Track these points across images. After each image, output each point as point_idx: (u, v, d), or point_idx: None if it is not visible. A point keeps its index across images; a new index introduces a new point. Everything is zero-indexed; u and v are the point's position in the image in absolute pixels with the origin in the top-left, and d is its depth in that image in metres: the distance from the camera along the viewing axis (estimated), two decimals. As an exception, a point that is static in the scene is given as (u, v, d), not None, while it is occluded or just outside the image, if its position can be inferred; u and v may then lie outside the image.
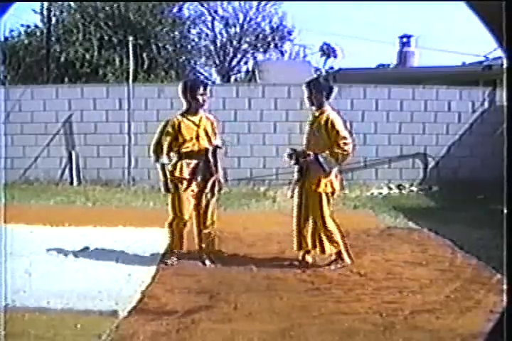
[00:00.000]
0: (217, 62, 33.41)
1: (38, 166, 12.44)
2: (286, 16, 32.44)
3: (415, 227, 8.24)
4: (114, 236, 6.95)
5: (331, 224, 6.01)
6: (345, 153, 5.87)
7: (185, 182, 6.01)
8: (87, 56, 22.27)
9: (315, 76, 6.23)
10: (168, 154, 6.06)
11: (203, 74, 32.52)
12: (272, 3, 31.88)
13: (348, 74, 16.18)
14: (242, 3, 31.98)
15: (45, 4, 21.62)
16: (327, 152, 5.86)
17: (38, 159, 12.44)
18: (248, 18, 32.40)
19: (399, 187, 12.34)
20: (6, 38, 23.09)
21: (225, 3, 31.67)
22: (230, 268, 6.04)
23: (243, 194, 11.40)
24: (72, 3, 23.72)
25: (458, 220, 8.35)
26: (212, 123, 6.35)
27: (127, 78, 12.97)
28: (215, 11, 32.10)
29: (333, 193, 6.05)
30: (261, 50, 33.08)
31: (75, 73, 22.32)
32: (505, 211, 2.21)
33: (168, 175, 6.04)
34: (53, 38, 21.96)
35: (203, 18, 30.79)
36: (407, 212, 9.15)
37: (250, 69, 32.09)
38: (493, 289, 5.05)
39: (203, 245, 6.30)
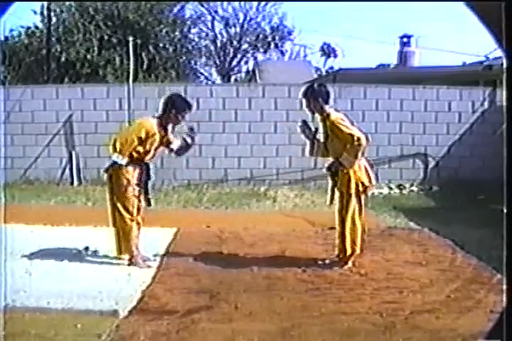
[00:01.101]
0: (217, 62, 33.47)
1: (38, 166, 12.43)
2: (287, 16, 32.59)
3: (416, 227, 8.24)
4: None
5: (358, 225, 6.03)
6: (359, 147, 5.85)
7: (135, 187, 6.03)
8: (88, 56, 22.29)
9: (308, 84, 6.17)
10: (127, 156, 5.97)
11: (203, 74, 32.56)
12: (272, 3, 31.92)
13: (349, 74, 16.17)
14: (242, 3, 32.01)
15: (45, 4, 21.62)
16: (345, 153, 5.87)
17: (38, 159, 12.44)
18: (248, 18, 32.46)
19: (399, 187, 12.33)
20: (6, 38, 23.12)
21: (225, 3, 31.70)
22: (230, 268, 6.04)
23: (243, 194, 11.41)
24: (72, 3, 23.73)
25: (458, 220, 8.35)
26: (168, 140, 6.27)
27: (127, 78, 12.98)
28: (216, 11, 32.18)
29: (365, 191, 6.06)
30: (261, 50, 33.14)
31: (75, 73, 22.35)
32: (504, 210, 2.21)
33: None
34: (53, 38, 21.96)
35: (203, 18, 30.84)
36: (408, 212, 9.15)
37: (250, 69, 32.18)
38: (494, 289, 5.05)
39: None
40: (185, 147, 6.41)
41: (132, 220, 6.06)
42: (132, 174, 5.98)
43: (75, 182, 12.38)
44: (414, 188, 12.33)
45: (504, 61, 2.21)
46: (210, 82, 31.11)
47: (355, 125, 6.16)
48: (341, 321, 4.52)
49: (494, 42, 2.16)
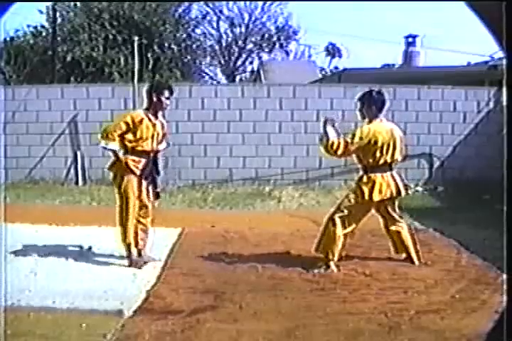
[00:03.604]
0: (222, 61, 33.47)
1: (43, 166, 12.46)
2: (292, 16, 32.52)
3: (420, 227, 8.22)
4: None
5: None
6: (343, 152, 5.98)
7: (134, 178, 6.03)
8: (94, 54, 22.32)
9: (368, 89, 6.21)
10: (117, 141, 5.99)
11: (208, 74, 32.58)
12: (278, 3, 31.91)
13: (353, 74, 16.17)
14: (248, 3, 32.01)
15: (51, 4, 21.66)
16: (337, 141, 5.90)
17: (43, 159, 12.46)
18: (253, 18, 32.45)
19: (404, 187, 12.29)
20: (11, 38, 23.20)
21: (231, 3, 31.70)
22: (235, 268, 6.04)
23: (248, 194, 11.41)
24: (77, 3, 23.78)
25: (463, 220, 8.34)
26: (163, 127, 6.29)
27: (132, 78, 12.98)
28: (221, 11, 32.18)
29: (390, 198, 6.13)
30: (266, 49, 33.13)
31: (81, 72, 22.37)
32: (505, 210, 2.21)
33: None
34: (59, 38, 21.99)
35: (208, 17, 30.82)
36: (413, 212, 9.13)
37: (255, 69, 32.18)
38: (499, 289, 5.04)
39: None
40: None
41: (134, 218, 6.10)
42: (136, 165, 6.01)
43: (80, 182, 12.40)
44: (419, 188, 12.30)
45: (504, 61, 2.21)
46: (214, 82, 31.12)
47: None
48: (346, 321, 4.52)
49: (495, 42, 2.16)
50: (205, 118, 12.43)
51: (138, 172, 6.02)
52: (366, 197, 5.94)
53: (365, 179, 5.99)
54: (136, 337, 4.17)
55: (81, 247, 6.60)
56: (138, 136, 6.01)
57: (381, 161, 5.95)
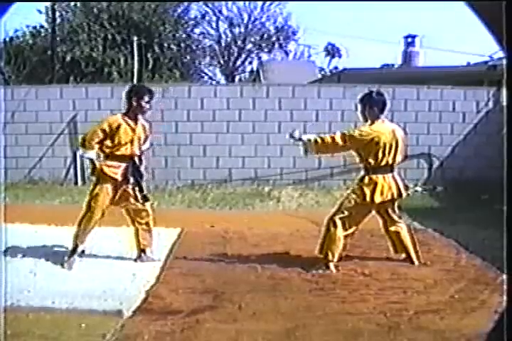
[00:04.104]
0: (221, 62, 33.47)
1: (42, 166, 12.45)
2: (291, 16, 32.52)
3: (420, 227, 8.22)
4: (119, 235, 6.95)
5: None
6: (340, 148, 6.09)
7: (113, 184, 6.02)
8: (93, 54, 22.32)
9: (368, 90, 6.24)
10: (95, 149, 6.01)
11: (207, 74, 32.59)
12: (277, 3, 31.90)
13: (353, 74, 16.18)
14: (247, 3, 32.01)
15: (50, 4, 21.67)
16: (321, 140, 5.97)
17: (42, 159, 12.45)
18: (253, 18, 32.45)
19: (405, 188, 12.29)
20: (11, 38, 23.21)
21: (230, 3, 31.69)
22: (234, 268, 6.04)
23: (247, 194, 11.41)
24: (77, 4, 23.79)
25: (463, 220, 8.34)
26: (145, 131, 6.30)
27: (132, 78, 12.99)
28: (220, 11, 32.18)
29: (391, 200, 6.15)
30: (265, 50, 33.14)
31: (80, 72, 22.38)
32: (505, 210, 2.20)
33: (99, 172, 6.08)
34: (58, 38, 21.99)
35: (207, 18, 30.82)
36: (412, 212, 9.13)
37: (255, 69, 32.19)
38: (498, 289, 5.04)
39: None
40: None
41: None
42: (114, 171, 6.01)
43: (79, 182, 12.39)
44: (418, 188, 12.30)
45: (504, 61, 2.21)
46: (214, 82, 31.13)
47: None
48: (345, 321, 4.52)
49: (495, 42, 2.16)
50: (205, 118, 12.42)
51: (118, 178, 6.02)
52: (368, 198, 5.94)
53: (366, 180, 5.99)
54: (136, 337, 4.16)
55: (80, 247, 6.58)
56: (116, 142, 6.00)
57: (383, 162, 5.95)
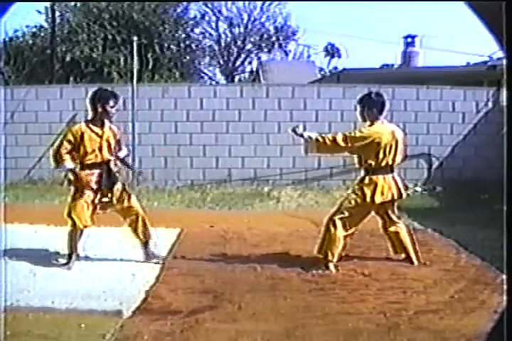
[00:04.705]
0: (221, 62, 33.45)
1: (42, 166, 12.42)
2: (291, 16, 32.49)
3: (419, 227, 8.23)
4: (119, 236, 6.94)
5: None
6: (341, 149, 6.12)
7: (90, 192, 5.98)
8: (93, 55, 22.32)
9: (367, 91, 6.25)
10: (69, 160, 5.94)
11: (206, 74, 32.58)
12: (277, 3, 31.89)
13: (352, 75, 16.17)
14: (247, 3, 32.00)
15: (49, 4, 21.65)
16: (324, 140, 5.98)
17: (42, 159, 12.42)
18: (252, 18, 32.42)
19: (404, 189, 12.29)
20: (10, 39, 23.19)
21: (229, 3, 31.68)
22: (234, 268, 6.04)
23: (247, 194, 11.41)
24: (77, 4, 23.78)
25: (462, 220, 8.34)
26: (115, 135, 6.19)
27: (131, 78, 12.97)
28: (219, 11, 32.15)
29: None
30: (265, 50, 33.10)
31: (80, 72, 22.36)
32: (504, 210, 2.21)
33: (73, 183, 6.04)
34: (58, 38, 21.97)
35: (207, 18, 30.81)
36: (411, 212, 9.13)
37: (254, 69, 32.17)
38: (498, 289, 5.04)
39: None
40: (126, 166, 6.63)
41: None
42: (88, 179, 5.97)
43: (79, 182, 12.37)
44: (418, 188, 12.30)
45: (504, 61, 2.21)
46: (213, 82, 31.10)
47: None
48: (345, 321, 4.52)
49: (495, 42, 2.16)
50: (204, 118, 12.42)
51: (93, 186, 5.97)
52: (368, 199, 5.95)
53: (367, 181, 6.00)
54: (135, 338, 4.17)
55: (80, 247, 6.57)
56: (82, 151, 5.94)
57: (383, 163, 5.96)
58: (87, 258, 6.33)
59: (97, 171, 6.01)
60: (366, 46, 52.12)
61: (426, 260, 6.33)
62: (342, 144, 5.89)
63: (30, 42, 24.04)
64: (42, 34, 24.04)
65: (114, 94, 6.15)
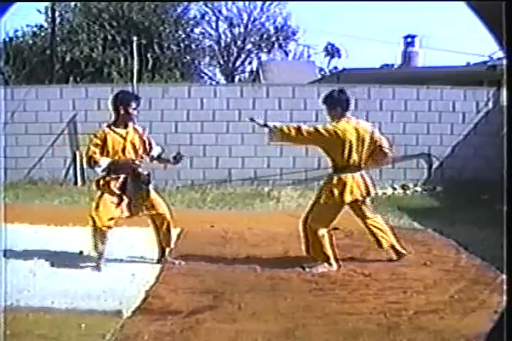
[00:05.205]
0: (221, 62, 33.49)
1: (42, 166, 12.45)
2: (291, 16, 32.54)
3: (419, 227, 8.23)
4: (119, 236, 6.94)
5: None
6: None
7: (115, 196, 5.96)
8: (93, 55, 22.34)
9: (329, 91, 6.18)
10: (103, 159, 5.94)
11: (207, 74, 32.60)
12: (277, 3, 31.92)
13: (352, 74, 16.18)
14: (247, 3, 32.02)
15: (50, 4, 21.67)
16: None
17: (42, 159, 12.45)
18: (252, 18, 32.46)
19: (403, 187, 12.32)
20: (10, 39, 23.21)
21: (230, 3, 31.70)
22: (234, 268, 6.04)
23: (247, 194, 11.41)
24: (77, 4, 23.80)
25: (462, 220, 8.34)
26: (140, 136, 6.18)
27: (131, 78, 12.98)
28: (220, 11, 32.20)
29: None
30: (265, 50, 33.15)
31: (80, 72, 22.39)
32: (505, 210, 2.21)
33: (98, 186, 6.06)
34: (58, 38, 21.99)
35: (207, 18, 30.83)
36: (412, 212, 9.13)
37: (254, 69, 32.19)
38: (498, 289, 5.04)
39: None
40: (166, 161, 6.62)
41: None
42: (114, 184, 5.96)
43: (79, 183, 12.38)
44: (418, 188, 12.31)
45: (504, 61, 2.21)
46: (213, 82, 31.14)
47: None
48: (345, 321, 4.52)
49: (495, 42, 2.16)
50: (204, 118, 12.42)
51: (117, 191, 5.96)
52: (337, 198, 5.96)
53: (335, 180, 6.00)
54: (135, 338, 4.16)
55: (80, 248, 6.56)
56: (106, 154, 5.95)
57: (351, 161, 5.96)
58: (87, 258, 6.32)
59: (122, 175, 5.98)
60: (366, 46, 52.27)
61: (426, 260, 6.33)
62: (305, 134, 5.89)
63: (30, 42, 24.07)
64: (42, 34, 24.06)
65: (135, 96, 6.22)
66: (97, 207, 5.95)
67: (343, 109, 6.02)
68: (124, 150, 6.01)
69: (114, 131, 6.00)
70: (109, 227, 5.96)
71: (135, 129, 6.15)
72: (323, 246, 6.02)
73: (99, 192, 6.07)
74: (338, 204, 6.03)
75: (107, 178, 5.98)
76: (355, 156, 5.96)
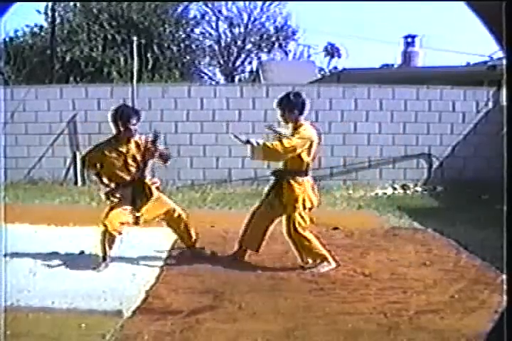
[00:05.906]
0: (221, 62, 33.47)
1: (42, 166, 12.46)
2: (291, 16, 32.56)
3: (420, 227, 8.23)
4: (119, 235, 6.94)
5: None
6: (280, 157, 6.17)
7: (125, 207, 6.01)
8: (93, 54, 22.34)
9: (285, 93, 6.06)
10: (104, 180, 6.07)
11: (206, 74, 32.59)
12: (277, 3, 31.91)
13: (352, 74, 16.17)
14: (247, 3, 32.01)
15: (50, 4, 21.67)
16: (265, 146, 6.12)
17: (42, 159, 12.46)
18: (252, 18, 32.44)
19: (403, 187, 12.32)
20: (11, 39, 23.22)
21: (230, 3, 31.70)
22: (234, 268, 6.03)
23: (247, 194, 11.40)
24: (77, 4, 23.80)
25: (462, 220, 8.34)
26: (139, 146, 6.03)
27: (131, 78, 12.99)
28: (220, 11, 32.18)
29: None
30: (265, 50, 33.13)
31: (80, 72, 22.39)
32: (505, 210, 2.20)
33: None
34: (58, 38, 21.99)
35: (207, 18, 30.83)
36: (412, 212, 9.13)
37: (254, 69, 32.18)
38: (498, 289, 5.04)
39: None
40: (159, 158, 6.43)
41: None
42: (119, 196, 6.01)
43: (79, 182, 12.39)
44: (418, 188, 12.31)
45: (504, 61, 2.21)
46: (213, 82, 31.11)
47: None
48: (345, 321, 4.52)
49: (495, 42, 2.16)
50: (204, 118, 12.42)
51: (127, 205, 6.01)
52: (299, 203, 5.95)
53: (292, 182, 6.03)
54: (135, 338, 4.16)
55: (80, 248, 6.56)
56: (112, 170, 5.99)
57: (306, 165, 5.96)
58: (87, 258, 6.33)
59: (128, 190, 6.01)
60: (366, 46, 52.27)
61: (426, 260, 6.33)
62: (289, 149, 5.81)
63: (30, 42, 24.06)
64: (42, 34, 24.06)
65: (135, 110, 6.11)
66: (109, 213, 5.97)
67: (299, 112, 5.93)
68: (125, 165, 5.99)
69: (114, 148, 5.96)
70: (120, 233, 5.99)
71: (136, 143, 6.04)
72: (316, 246, 6.00)
73: (108, 203, 6.12)
74: (283, 208, 6.13)
75: (115, 194, 6.03)
76: (309, 160, 5.98)
